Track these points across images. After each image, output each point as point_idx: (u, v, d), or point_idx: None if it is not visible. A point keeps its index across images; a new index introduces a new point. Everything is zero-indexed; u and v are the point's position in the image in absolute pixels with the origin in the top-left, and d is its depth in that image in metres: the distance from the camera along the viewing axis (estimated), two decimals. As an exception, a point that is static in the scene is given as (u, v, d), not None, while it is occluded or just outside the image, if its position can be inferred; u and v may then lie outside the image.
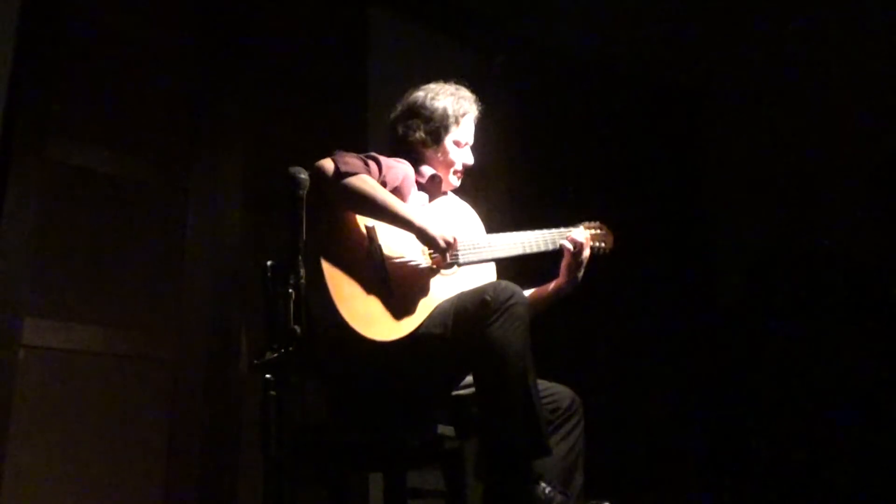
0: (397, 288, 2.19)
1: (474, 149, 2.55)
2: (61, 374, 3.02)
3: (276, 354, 1.73)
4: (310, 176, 1.98)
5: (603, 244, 2.58)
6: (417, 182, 2.42)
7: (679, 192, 5.01)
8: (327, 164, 2.18)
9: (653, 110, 5.03)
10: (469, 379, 2.28)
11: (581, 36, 4.58)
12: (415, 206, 2.34)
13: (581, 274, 2.48)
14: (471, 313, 2.10)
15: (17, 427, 2.87)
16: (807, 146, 4.60)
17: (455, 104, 2.47)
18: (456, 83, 2.53)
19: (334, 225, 2.21)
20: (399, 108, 2.52)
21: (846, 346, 4.07)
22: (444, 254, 2.25)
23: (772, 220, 4.69)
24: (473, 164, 2.54)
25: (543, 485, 2.05)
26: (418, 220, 2.22)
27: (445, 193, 2.52)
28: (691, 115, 5.23)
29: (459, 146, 2.49)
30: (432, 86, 2.51)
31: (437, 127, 2.44)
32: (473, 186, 2.62)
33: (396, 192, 2.31)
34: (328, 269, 2.13)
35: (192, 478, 3.19)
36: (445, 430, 2.14)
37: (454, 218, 2.45)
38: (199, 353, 3.31)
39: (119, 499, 3.04)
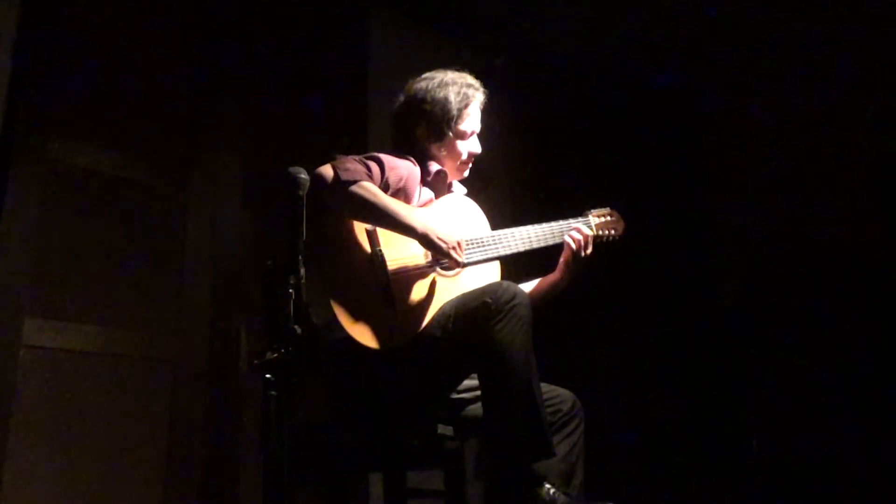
0: (399, 293, 2.18)
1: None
2: (61, 374, 3.02)
3: (276, 354, 1.73)
4: (309, 182, 1.95)
5: (613, 231, 2.53)
6: (423, 179, 2.37)
7: (679, 192, 5.01)
8: (327, 172, 2.14)
9: (653, 110, 5.03)
10: (469, 382, 2.28)
11: (581, 36, 4.58)
12: (418, 211, 2.30)
13: (580, 270, 2.43)
14: (473, 315, 2.09)
15: (17, 427, 2.87)
16: (807, 145, 4.60)
17: (457, 95, 2.39)
18: (458, 70, 2.46)
19: (335, 231, 2.19)
20: (401, 99, 2.46)
21: (847, 345, 4.06)
22: (449, 258, 2.21)
23: (772, 219, 4.69)
24: (477, 157, 2.49)
25: (547, 486, 2.05)
26: (421, 227, 2.18)
27: (451, 189, 2.48)
28: (691, 114, 5.23)
29: (465, 137, 2.42)
30: (434, 75, 2.44)
31: (439, 122, 2.38)
32: (474, 186, 2.60)
33: (400, 192, 2.29)
34: (330, 280, 2.12)
35: (192, 478, 3.19)
36: (445, 430, 2.14)
37: (459, 217, 2.41)
38: (199, 353, 3.31)
39: (119, 498, 3.04)
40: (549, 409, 2.20)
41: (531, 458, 2.05)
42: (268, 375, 1.71)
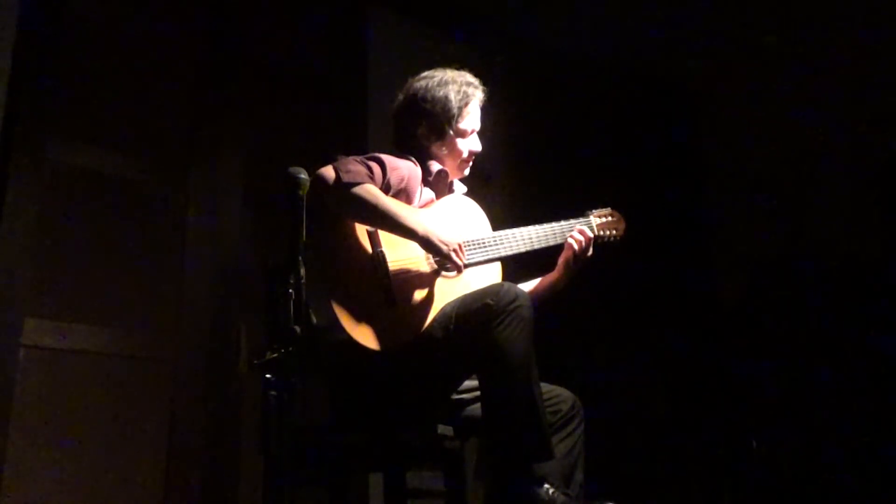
0: (401, 295, 2.18)
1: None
2: (61, 374, 3.02)
3: (276, 354, 1.73)
4: (311, 184, 1.95)
5: (614, 231, 2.54)
6: (424, 179, 2.37)
7: (679, 193, 5.01)
8: (328, 173, 2.14)
9: (653, 111, 5.03)
10: (469, 383, 2.28)
11: (581, 36, 4.58)
12: (419, 213, 2.30)
13: (579, 270, 2.43)
14: (474, 317, 2.09)
15: (17, 427, 2.87)
16: (808, 144, 4.60)
17: (457, 94, 2.39)
18: (458, 68, 2.46)
19: (336, 232, 2.18)
20: (400, 99, 2.46)
21: (847, 345, 4.06)
22: (450, 260, 2.21)
23: (773, 220, 4.69)
24: (476, 158, 2.49)
25: (547, 486, 2.05)
26: (422, 230, 2.18)
27: (452, 188, 2.48)
28: (691, 115, 5.23)
29: (465, 136, 2.42)
30: (434, 73, 2.44)
31: (439, 121, 2.38)
32: (473, 185, 2.60)
33: (402, 193, 2.29)
34: (331, 281, 2.11)
35: (193, 478, 3.19)
36: (445, 430, 2.14)
37: (460, 218, 2.41)
38: (199, 353, 3.31)
39: (119, 498, 3.04)
40: (550, 410, 2.20)
41: (531, 460, 2.05)
42: (268, 375, 1.71)
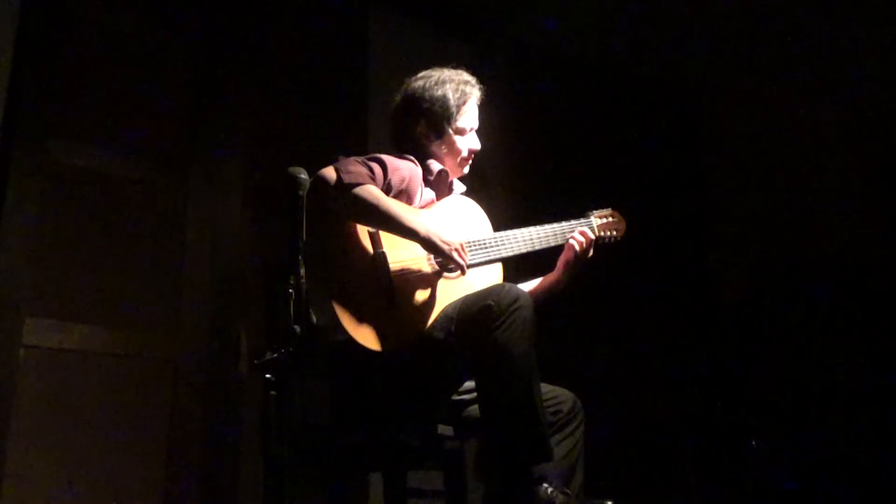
0: (402, 295, 2.17)
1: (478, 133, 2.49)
2: (61, 374, 3.02)
3: (276, 354, 1.73)
4: (312, 184, 1.94)
5: (615, 232, 2.54)
6: (424, 179, 2.37)
7: (679, 193, 5.01)
8: (329, 174, 2.13)
9: (653, 110, 5.03)
10: (470, 383, 2.27)
11: (582, 36, 4.58)
12: (420, 214, 2.30)
13: (579, 270, 2.44)
14: (475, 318, 2.08)
15: (17, 427, 2.87)
16: (807, 144, 4.60)
17: (455, 92, 2.40)
18: (454, 67, 2.47)
19: (337, 232, 2.18)
20: (398, 99, 2.46)
21: (847, 345, 4.06)
22: (453, 261, 2.21)
23: (772, 220, 4.69)
24: (475, 159, 2.49)
25: (545, 485, 2.05)
26: (424, 231, 2.18)
27: (451, 189, 2.48)
28: (691, 114, 5.23)
29: (464, 134, 2.43)
30: (431, 73, 2.44)
31: (438, 119, 2.38)
32: (473, 186, 2.60)
33: (403, 194, 2.29)
34: (332, 281, 2.11)
35: (192, 478, 3.19)
36: (445, 430, 2.14)
37: (461, 218, 2.41)
38: (199, 353, 3.31)
39: (119, 499, 3.04)
40: (550, 410, 2.20)
41: (529, 462, 2.05)
42: (268, 375, 1.71)
